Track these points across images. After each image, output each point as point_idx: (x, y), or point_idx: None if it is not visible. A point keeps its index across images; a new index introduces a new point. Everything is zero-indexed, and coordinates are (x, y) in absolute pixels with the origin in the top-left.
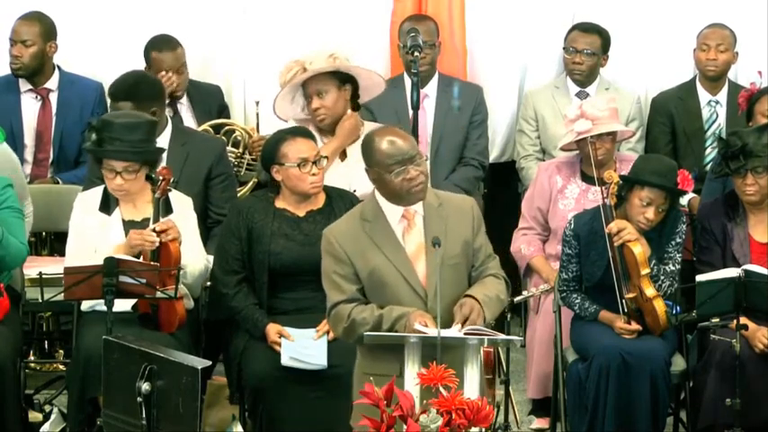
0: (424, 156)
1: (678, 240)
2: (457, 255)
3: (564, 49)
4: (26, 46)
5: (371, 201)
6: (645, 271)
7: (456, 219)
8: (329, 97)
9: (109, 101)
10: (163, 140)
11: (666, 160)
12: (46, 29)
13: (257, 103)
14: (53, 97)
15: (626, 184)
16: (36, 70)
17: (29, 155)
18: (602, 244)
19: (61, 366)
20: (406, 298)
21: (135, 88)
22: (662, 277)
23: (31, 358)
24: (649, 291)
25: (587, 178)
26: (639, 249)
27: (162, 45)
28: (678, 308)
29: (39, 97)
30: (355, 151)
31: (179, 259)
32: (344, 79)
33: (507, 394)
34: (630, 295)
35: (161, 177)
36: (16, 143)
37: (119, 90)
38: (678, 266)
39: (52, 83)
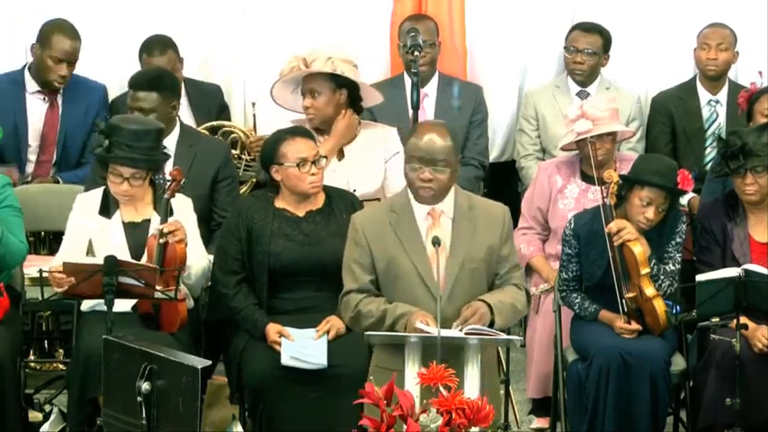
0: (453, 166)
1: (678, 240)
2: (478, 260)
3: (565, 48)
4: (72, 65)
5: (403, 194)
6: (645, 271)
7: (485, 224)
8: (321, 98)
9: (128, 92)
10: (170, 141)
11: (666, 160)
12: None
13: (254, 104)
14: (60, 99)
15: (626, 183)
16: None
17: (32, 154)
18: (602, 244)
19: (61, 366)
20: (420, 296)
21: (159, 79)
22: (662, 277)
23: (31, 358)
24: (649, 290)
25: (587, 178)
26: (639, 249)
27: (153, 48)
28: (678, 308)
29: (46, 99)
30: (353, 150)
31: (184, 260)
32: (341, 84)
33: (507, 394)
34: (630, 295)
35: (172, 178)
36: (20, 142)
37: (141, 80)
38: (678, 266)
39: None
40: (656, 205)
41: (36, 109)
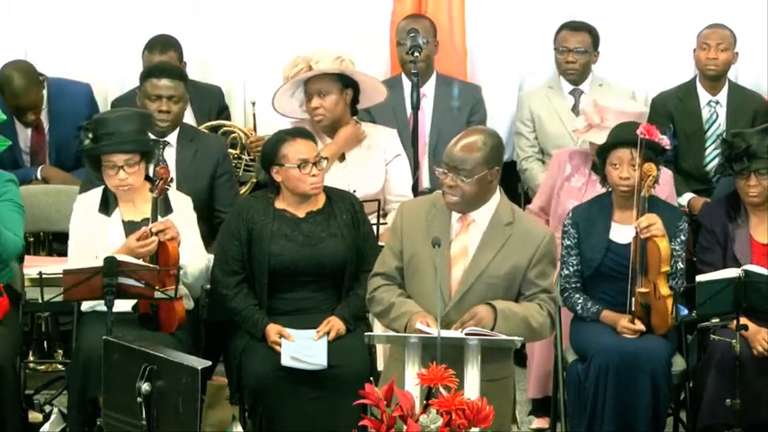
0: (480, 177)
1: (683, 238)
2: (497, 276)
3: (555, 49)
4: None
5: None
6: (665, 269)
7: (517, 242)
8: (330, 99)
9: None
10: (171, 138)
11: (630, 122)
12: None
13: (253, 103)
14: (44, 116)
15: (600, 161)
16: None
17: (27, 164)
18: (602, 228)
19: (61, 366)
20: (432, 295)
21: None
22: (678, 275)
23: (31, 358)
24: (664, 290)
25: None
26: (665, 245)
27: (154, 47)
28: (685, 310)
29: (27, 125)
30: (354, 153)
31: (177, 259)
32: (347, 83)
33: None
34: (644, 290)
35: (159, 177)
36: (17, 158)
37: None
38: (683, 265)
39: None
40: (626, 163)
41: (22, 130)
